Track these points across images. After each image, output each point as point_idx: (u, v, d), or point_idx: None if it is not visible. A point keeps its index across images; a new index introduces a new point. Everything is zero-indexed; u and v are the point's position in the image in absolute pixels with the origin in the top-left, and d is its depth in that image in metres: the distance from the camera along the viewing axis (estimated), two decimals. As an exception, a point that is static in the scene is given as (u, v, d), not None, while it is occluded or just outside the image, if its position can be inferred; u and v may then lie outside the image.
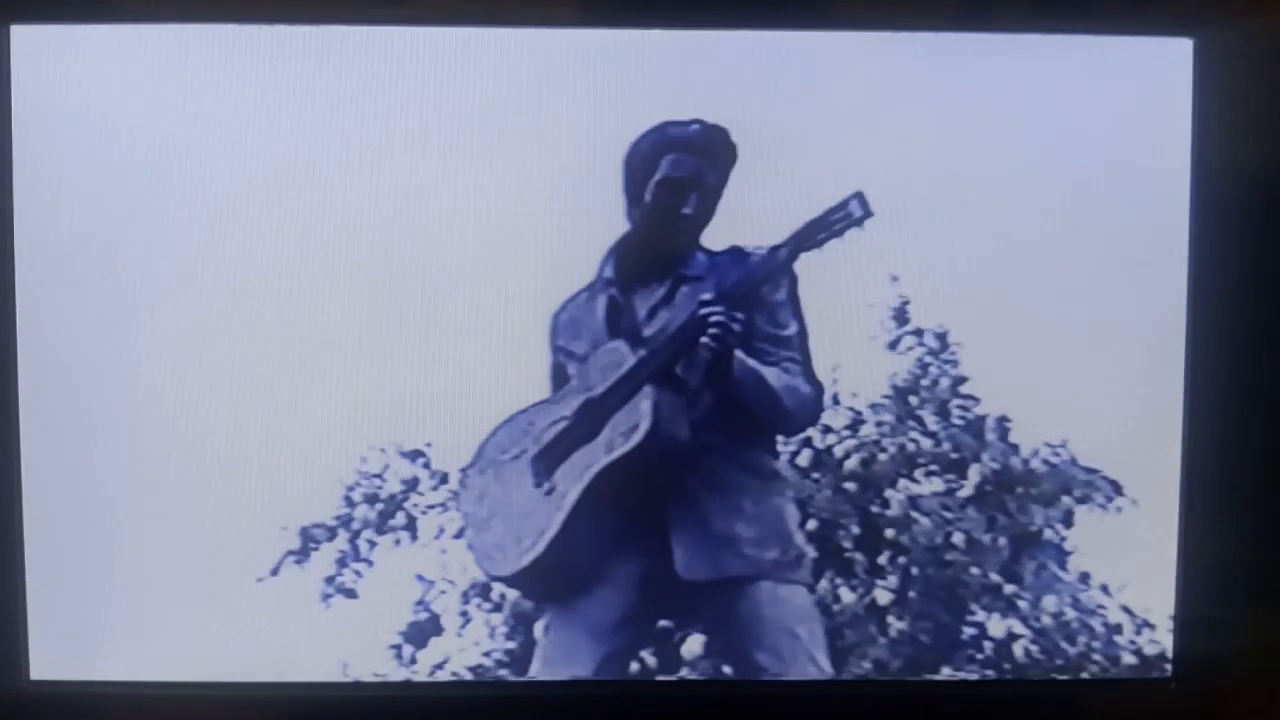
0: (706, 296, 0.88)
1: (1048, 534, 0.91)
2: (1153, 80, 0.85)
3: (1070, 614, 0.92)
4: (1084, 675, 0.90)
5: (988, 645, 0.92)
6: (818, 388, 0.90)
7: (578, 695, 0.89)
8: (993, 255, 0.87)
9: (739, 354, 0.88)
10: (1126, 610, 0.91)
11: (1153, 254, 0.87)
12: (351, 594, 0.91)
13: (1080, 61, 0.85)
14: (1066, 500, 0.91)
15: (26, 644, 0.86)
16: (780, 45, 0.86)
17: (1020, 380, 0.89)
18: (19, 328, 0.83)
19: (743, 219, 0.87)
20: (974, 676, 0.90)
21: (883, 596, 0.91)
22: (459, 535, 0.91)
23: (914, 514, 0.91)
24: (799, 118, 0.86)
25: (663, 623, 0.92)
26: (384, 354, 0.88)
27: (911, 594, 0.91)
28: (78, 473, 0.86)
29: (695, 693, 0.90)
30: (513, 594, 0.92)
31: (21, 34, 0.82)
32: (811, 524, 0.91)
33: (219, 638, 0.89)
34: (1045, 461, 0.91)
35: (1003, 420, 0.91)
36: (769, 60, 0.86)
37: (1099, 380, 0.87)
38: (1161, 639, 0.91)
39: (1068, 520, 0.92)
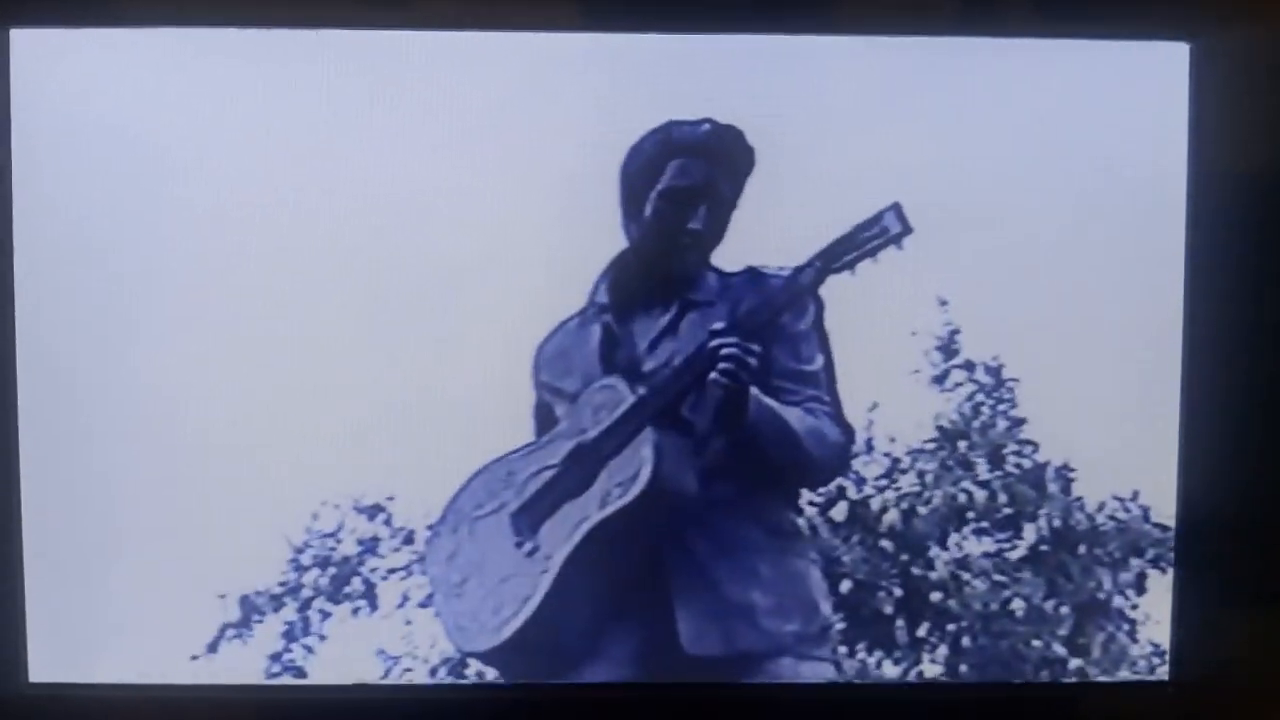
0: (718, 325, 0.83)
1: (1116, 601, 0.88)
2: (1149, 84, 0.85)
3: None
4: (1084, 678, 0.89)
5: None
6: (848, 431, 0.85)
7: (575, 700, 0.87)
8: (1007, 269, 0.85)
9: (755, 392, 0.83)
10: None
11: (1148, 257, 0.86)
12: (301, 674, 0.87)
13: (1077, 65, 0.85)
14: (1137, 563, 0.87)
15: (26, 647, 0.88)
16: (786, 50, 0.83)
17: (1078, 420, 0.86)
18: (18, 329, 0.85)
19: (760, 235, 0.83)
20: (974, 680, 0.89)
21: (930, 671, 0.87)
22: (426, 603, 0.86)
23: (964, 575, 0.86)
24: (818, 123, 0.83)
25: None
26: (339, 392, 0.84)
27: (964, 668, 0.87)
28: (75, 478, 0.87)
29: (698, 696, 0.86)
30: (490, 672, 0.86)
31: (21, 38, 0.84)
32: (843, 587, 0.86)
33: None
34: (1112, 518, 0.86)
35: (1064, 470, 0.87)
36: (778, 64, 0.83)
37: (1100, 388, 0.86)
38: (1160, 643, 0.89)
39: (1139, 586, 0.87)
